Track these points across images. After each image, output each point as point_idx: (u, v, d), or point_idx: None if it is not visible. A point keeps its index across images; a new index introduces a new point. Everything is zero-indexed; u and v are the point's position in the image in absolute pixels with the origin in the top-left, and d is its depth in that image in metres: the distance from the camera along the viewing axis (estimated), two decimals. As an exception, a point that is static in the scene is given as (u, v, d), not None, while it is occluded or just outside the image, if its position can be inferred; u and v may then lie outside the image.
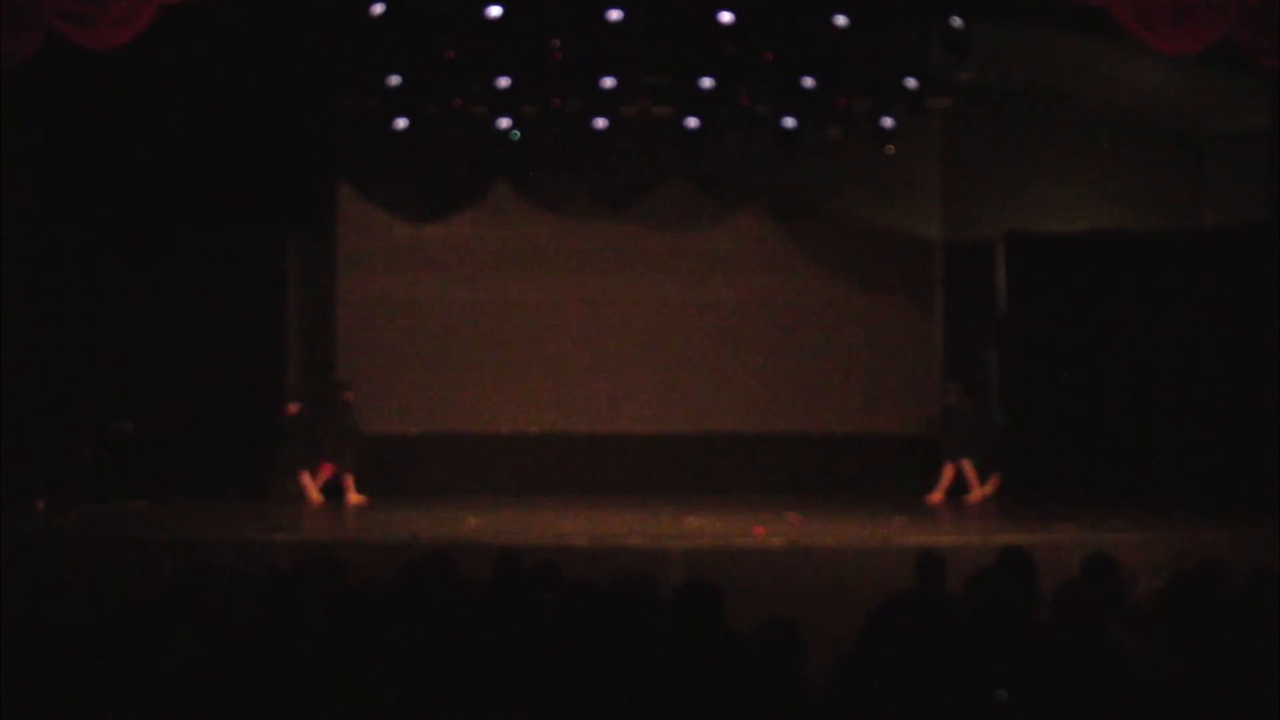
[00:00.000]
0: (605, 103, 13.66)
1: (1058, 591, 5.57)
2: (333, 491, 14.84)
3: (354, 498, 14.71)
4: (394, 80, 13.50)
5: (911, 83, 13.65)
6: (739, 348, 15.91)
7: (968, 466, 14.93)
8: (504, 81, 13.50)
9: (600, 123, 13.74)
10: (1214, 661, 5.11)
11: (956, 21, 12.87)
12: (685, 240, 16.01)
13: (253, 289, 15.21)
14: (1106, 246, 14.95)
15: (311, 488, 14.81)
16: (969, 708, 4.78)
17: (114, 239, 14.73)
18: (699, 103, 13.72)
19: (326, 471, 14.90)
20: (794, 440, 15.78)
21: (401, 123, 13.71)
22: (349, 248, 15.88)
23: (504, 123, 13.98)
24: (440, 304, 15.91)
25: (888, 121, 14.07)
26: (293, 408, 15.07)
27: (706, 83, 13.52)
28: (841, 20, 12.78)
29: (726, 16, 12.61)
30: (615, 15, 12.56)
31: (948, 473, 14.97)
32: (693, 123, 13.85)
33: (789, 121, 14.02)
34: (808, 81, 13.56)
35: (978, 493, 14.83)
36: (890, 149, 14.35)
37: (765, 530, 11.88)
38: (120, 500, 13.95)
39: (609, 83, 13.47)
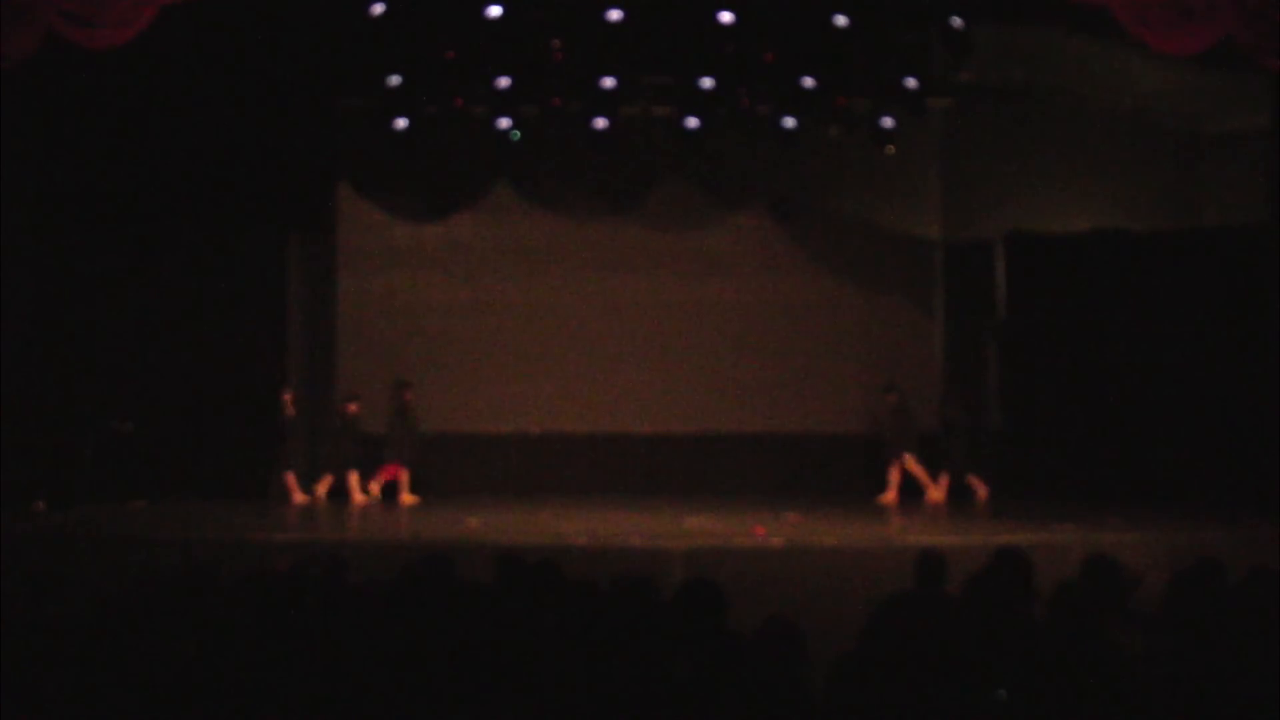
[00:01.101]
0: (605, 103, 13.66)
1: (1057, 592, 5.57)
2: (338, 494, 14.89)
3: (407, 497, 14.78)
4: (394, 80, 13.51)
5: (911, 83, 13.66)
6: (739, 348, 15.91)
7: (897, 468, 15.01)
8: (504, 81, 13.52)
9: (600, 123, 13.75)
10: (1214, 661, 5.11)
11: (956, 21, 12.88)
12: (685, 240, 16.01)
13: (254, 289, 15.24)
14: (1106, 246, 14.95)
15: (321, 490, 14.86)
16: (969, 708, 4.78)
17: (114, 239, 14.74)
18: (699, 103, 13.73)
19: (386, 474, 14.91)
20: (794, 440, 15.78)
21: (401, 123, 13.73)
22: (349, 248, 15.88)
23: (504, 123, 13.99)
24: (440, 304, 15.91)
25: (888, 121, 14.09)
26: (353, 407, 15.00)
27: (706, 83, 13.52)
28: (841, 20, 12.79)
29: (726, 16, 12.61)
30: (615, 15, 12.57)
31: (921, 472, 14.98)
32: (693, 123, 13.86)
33: (789, 121, 14.04)
34: (808, 81, 13.57)
35: (893, 493, 14.95)
36: (890, 149, 14.38)
37: (765, 530, 11.88)
38: (120, 500, 13.96)
39: (609, 83, 13.48)
